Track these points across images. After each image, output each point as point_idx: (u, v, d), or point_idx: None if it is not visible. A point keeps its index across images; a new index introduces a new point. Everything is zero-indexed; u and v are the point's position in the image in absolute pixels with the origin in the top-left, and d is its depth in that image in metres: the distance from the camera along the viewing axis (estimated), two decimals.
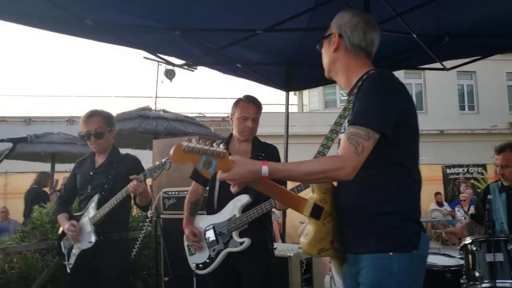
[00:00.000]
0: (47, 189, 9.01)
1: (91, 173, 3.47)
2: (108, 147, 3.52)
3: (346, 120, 1.91)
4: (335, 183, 1.97)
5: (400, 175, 1.82)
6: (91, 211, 3.33)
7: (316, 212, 1.90)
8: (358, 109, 1.77)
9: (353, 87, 1.92)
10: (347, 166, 1.68)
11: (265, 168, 1.67)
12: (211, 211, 3.22)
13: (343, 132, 1.89)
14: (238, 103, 3.25)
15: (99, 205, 3.29)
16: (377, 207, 1.80)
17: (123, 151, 3.73)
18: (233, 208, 3.10)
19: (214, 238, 3.16)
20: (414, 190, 1.86)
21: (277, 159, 3.23)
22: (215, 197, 3.20)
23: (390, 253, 1.75)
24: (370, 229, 1.80)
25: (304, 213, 1.95)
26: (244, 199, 3.07)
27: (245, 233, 3.09)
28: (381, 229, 1.78)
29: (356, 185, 1.78)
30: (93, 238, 3.28)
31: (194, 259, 3.23)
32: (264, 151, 3.22)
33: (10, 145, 2.71)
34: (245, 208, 3.07)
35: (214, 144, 1.61)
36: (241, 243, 3.04)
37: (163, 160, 3.10)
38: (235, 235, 3.09)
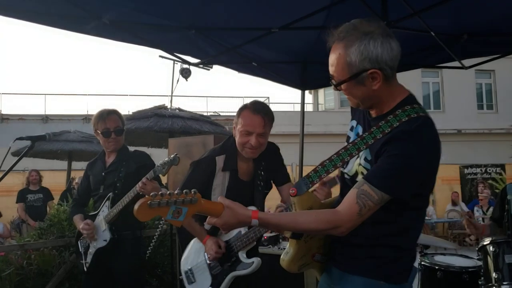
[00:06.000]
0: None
1: (102, 173, 3.52)
2: (120, 145, 3.56)
3: (356, 159, 1.73)
4: (322, 200, 1.91)
5: (409, 224, 1.73)
6: (105, 209, 3.38)
7: (297, 234, 1.84)
8: (382, 168, 1.58)
9: (381, 116, 1.68)
10: (342, 226, 1.58)
11: (255, 221, 1.61)
12: (213, 229, 2.68)
13: (345, 170, 1.79)
14: (242, 111, 2.64)
15: (113, 203, 3.34)
16: (380, 239, 1.72)
17: (138, 149, 3.78)
18: None
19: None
20: (418, 229, 1.78)
21: (278, 160, 2.89)
22: None
23: (382, 282, 1.69)
24: (369, 252, 1.72)
25: (285, 234, 2.02)
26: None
27: (254, 252, 2.66)
28: (379, 256, 1.71)
29: None
30: (108, 236, 3.32)
31: None
32: (264, 158, 2.76)
33: (28, 143, 2.75)
34: None
35: (183, 191, 1.47)
36: (250, 264, 2.59)
37: (172, 156, 3.12)
38: (241, 255, 2.62)
